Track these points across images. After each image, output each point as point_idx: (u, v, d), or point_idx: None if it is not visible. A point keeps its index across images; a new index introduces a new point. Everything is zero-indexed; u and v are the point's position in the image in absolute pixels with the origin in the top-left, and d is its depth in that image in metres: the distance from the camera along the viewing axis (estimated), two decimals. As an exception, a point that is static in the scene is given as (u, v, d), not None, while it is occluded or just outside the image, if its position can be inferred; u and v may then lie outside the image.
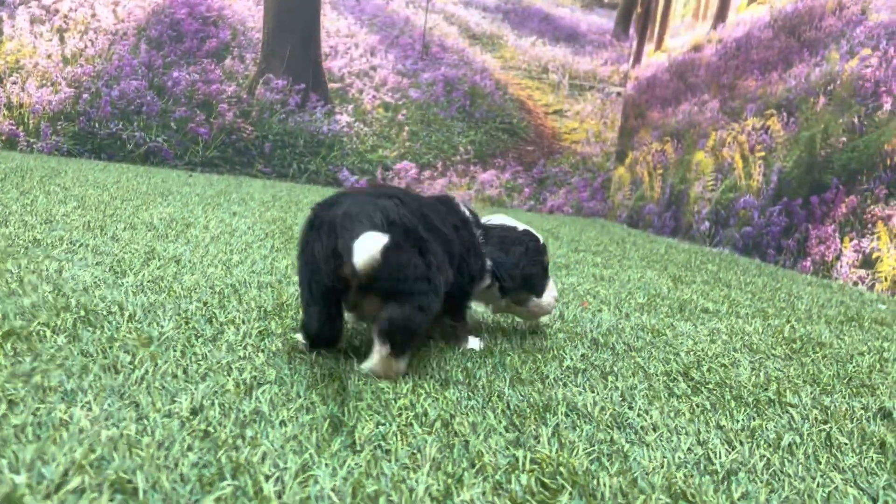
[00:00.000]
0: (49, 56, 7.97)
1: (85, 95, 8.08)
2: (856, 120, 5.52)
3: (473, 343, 2.39)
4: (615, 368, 2.23)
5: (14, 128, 7.92)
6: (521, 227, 2.61)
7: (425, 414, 1.62)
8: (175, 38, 8.29)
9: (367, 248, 1.74)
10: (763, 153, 6.52)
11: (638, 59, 9.12)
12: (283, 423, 1.48)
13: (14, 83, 7.91)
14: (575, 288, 3.66)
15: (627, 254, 5.49)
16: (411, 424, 1.56)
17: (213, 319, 2.21)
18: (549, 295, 2.55)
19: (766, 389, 2.19)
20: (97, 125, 8.12)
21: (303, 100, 8.62)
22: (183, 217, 4.34)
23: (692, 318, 3.24)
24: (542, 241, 2.60)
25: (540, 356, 2.28)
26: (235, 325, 2.19)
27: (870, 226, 5.26)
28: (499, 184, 9.14)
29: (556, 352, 2.36)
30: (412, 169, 8.89)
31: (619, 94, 9.28)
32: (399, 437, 1.47)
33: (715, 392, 2.11)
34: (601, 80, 9.25)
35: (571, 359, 2.29)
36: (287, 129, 8.58)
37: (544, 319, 2.73)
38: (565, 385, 2.00)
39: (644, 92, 8.86)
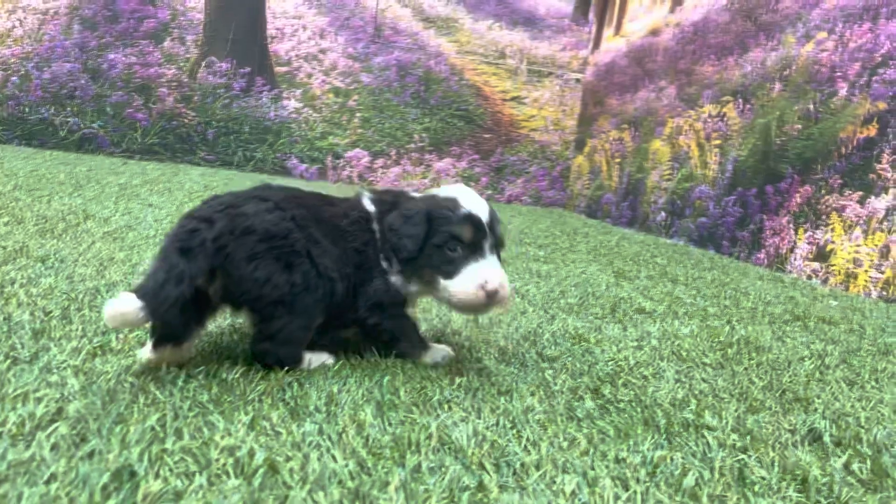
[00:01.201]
0: (-27, 36, 7.51)
1: (13, 78, 7.63)
2: (811, 107, 5.31)
3: (437, 354, 2.11)
4: (515, 385, 1.96)
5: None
6: (451, 194, 2.09)
7: (251, 456, 1.33)
8: (110, 18, 7.86)
9: (115, 308, 1.54)
10: (719, 141, 6.31)
11: (597, 44, 8.85)
12: (51, 477, 1.18)
13: (-64, 65, 7.44)
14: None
15: (575, 246, 5.24)
16: (227, 473, 1.27)
17: (44, 333, 1.90)
18: (469, 282, 1.93)
19: (684, 408, 1.94)
20: (27, 110, 7.68)
21: (248, 84, 8.25)
22: (85, 209, 4.00)
23: (624, 319, 2.99)
24: (462, 212, 1.98)
25: (432, 372, 2.00)
26: (70, 339, 1.88)
27: (824, 217, 5.06)
28: (455, 172, 8.84)
29: (452, 365, 2.09)
30: (364, 157, 8.55)
31: (578, 80, 9.02)
32: (199, 494, 1.18)
33: (624, 413, 1.85)
34: (560, 66, 8.98)
35: (467, 374, 2.01)
36: (231, 115, 8.20)
37: (486, 317, 2.45)
38: (448, 409, 1.73)
39: (603, 78, 8.60)
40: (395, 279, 2.02)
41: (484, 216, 2.00)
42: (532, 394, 1.91)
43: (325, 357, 1.96)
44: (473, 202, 2.04)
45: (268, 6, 8.24)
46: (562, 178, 9.13)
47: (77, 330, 1.96)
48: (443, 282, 1.96)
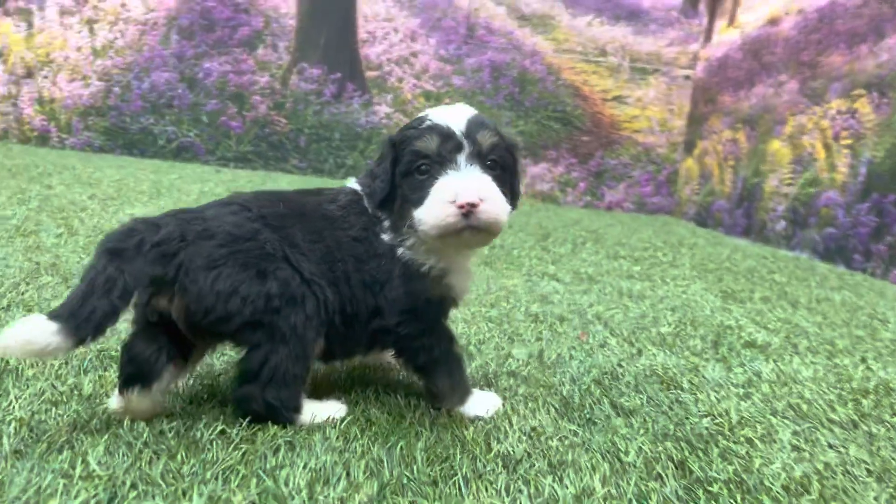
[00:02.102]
0: (79, 49, 7.73)
1: (115, 89, 7.81)
2: (966, 98, 4.51)
3: (478, 405, 1.72)
4: (573, 455, 1.53)
5: (46, 123, 7.73)
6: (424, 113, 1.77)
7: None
8: (206, 27, 7.91)
9: (15, 335, 1.23)
10: (849, 141, 5.54)
11: (709, 37, 8.14)
12: None
13: (45, 77, 7.71)
14: (584, 310, 2.94)
15: (678, 260, 4.68)
16: None
17: (13, 372, 1.64)
18: (435, 200, 1.52)
19: (802, 495, 1.45)
20: (128, 120, 7.84)
21: (339, 90, 8.10)
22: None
23: (729, 356, 2.48)
24: (425, 124, 1.60)
25: (468, 430, 1.60)
26: (38, 379, 1.61)
27: (982, 229, 4.27)
28: (551, 178, 8.36)
29: (496, 422, 1.68)
30: (456, 162, 8.22)
31: (687, 77, 8.34)
32: None
33: (718, 503, 1.39)
34: (667, 63, 8.32)
35: (512, 435, 1.60)
36: (323, 122, 8.08)
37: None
38: (476, 491, 1.33)
39: (715, 74, 7.89)
40: (407, 253, 1.61)
41: (456, 123, 1.56)
42: (594, 468, 1.48)
43: (335, 408, 1.60)
44: (445, 112, 1.61)
45: (359, 9, 8.07)
46: (668, 182, 8.46)
47: (51, 369, 1.70)
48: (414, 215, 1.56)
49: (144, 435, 1.37)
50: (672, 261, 4.62)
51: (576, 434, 1.67)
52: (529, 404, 1.82)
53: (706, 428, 1.78)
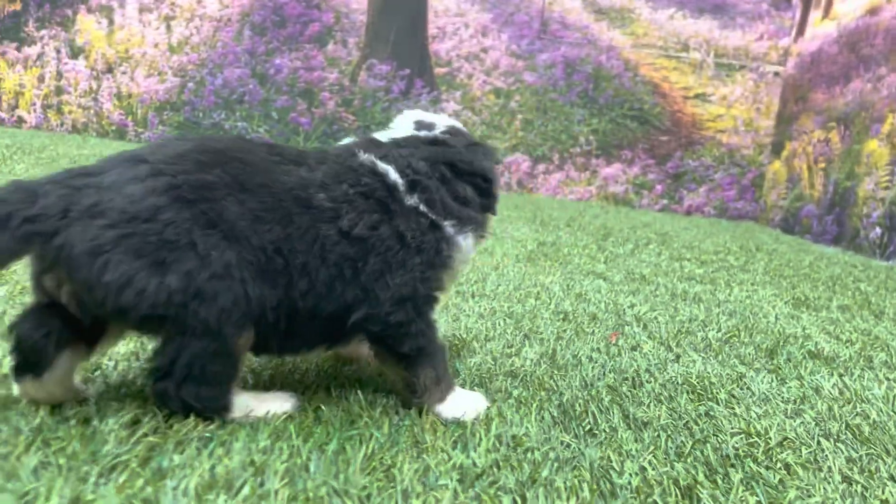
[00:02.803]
0: (156, 45, 7.90)
1: (190, 84, 7.94)
2: None
3: (462, 405, 1.51)
4: (550, 472, 1.27)
5: (123, 117, 7.93)
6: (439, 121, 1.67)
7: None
8: (278, 23, 7.94)
9: None
10: (958, 139, 4.95)
11: (801, 30, 7.55)
12: None
13: (123, 73, 7.92)
14: (623, 310, 2.63)
15: (750, 265, 4.26)
16: None
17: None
18: None
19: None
20: (201, 115, 7.96)
21: (407, 86, 7.97)
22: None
23: (785, 367, 2.13)
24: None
25: (431, 437, 1.36)
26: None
27: None
28: (625, 180, 7.96)
29: (474, 427, 1.43)
30: (525, 162, 7.94)
31: (776, 73, 7.76)
32: None
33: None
34: (755, 58, 7.78)
35: (484, 445, 1.35)
36: (390, 119, 7.91)
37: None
38: (414, 507, 1.09)
39: (807, 70, 7.30)
40: (460, 237, 1.51)
41: None
42: (572, 489, 1.21)
43: (280, 402, 1.39)
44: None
45: (429, 5, 7.92)
46: (754, 186, 7.90)
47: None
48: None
49: (37, 421, 1.19)
50: (743, 265, 4.21)
51: (567, 447, 1.40)
52: (521, 409, 1.56)
53: (734, 448, 1.48)
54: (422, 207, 1.47)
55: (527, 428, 1.45)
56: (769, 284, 3.62)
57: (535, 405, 1.58)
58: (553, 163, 7.94)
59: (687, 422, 1.60)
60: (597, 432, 1.49)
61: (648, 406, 1.67)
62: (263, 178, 1.34)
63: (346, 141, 1.60)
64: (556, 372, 1.84)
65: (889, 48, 5.94)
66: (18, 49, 7.83)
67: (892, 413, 1.80)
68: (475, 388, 1.66)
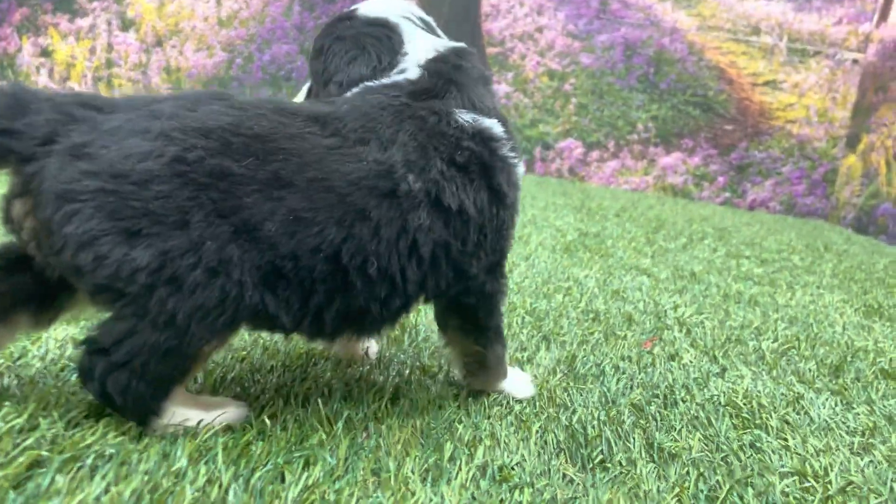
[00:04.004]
0: (206, 19, 7.80)
1: (238, 60, 7.82)
2: None
3: (521, 384, 1.45)
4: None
5: (171, 92, 7.86)
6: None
7: None
8: (328, -2, 7.75)
9: None
10: None
11: (885, 15, 6.95)
12: None
13: (173, 47, 7.85)
14: (664, 312, 2.31)
15: (816, 266, 3.85)
16: None
17: None
18: None
19: None
20: (248, 91, 7.83)
21: (458, 66, 7.66)
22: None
23: (853, 388, 1.79)
24: None
25: (395, 464, 1.10)
26: None
27: None
28: (685, 170, 7.50)
29: (453, 452, 1.16)
30: (577, 148, 7.56)
31: (855, 61, 7.18)
32: None
33: None
34: (832, 44, 7.20)
35: (461, 477, 1.08)
36: (439, 99, 7.68)
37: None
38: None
39: (890, 58, 6.72)
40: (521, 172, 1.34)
41: None
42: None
43: (218, 411, 1.15)
44: None
45: (484, -19, 7.60)
46: (825, 182, 7.35)
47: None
48: None
49: None
50: (809, 266, 3.81)
51: (569, 483, 1.12)
52: (520, 430, 1.28)
53: (784, 494, 1.18)
54: (511, 155, 1.28)
55: (522, 455, 1.18)
56: (837, 289, 3.23)
57: (537, 425, 1.30)
58: (608, 150, 7.54)
59: (726, 455, 1.30)
60: (609, 465, 1.20)
61: (679, 432, 1.38)
62: (316, 170, 1.11)
63: (395, 78, 1.31)
64: (571, 384, 1.55)
65: None
66: (71, 21, 7.82)
67: None
68: (468, 400, 1.39)
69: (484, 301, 1.32)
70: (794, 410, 1.59)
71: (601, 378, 1.61)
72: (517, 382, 1.44)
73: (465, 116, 1.26)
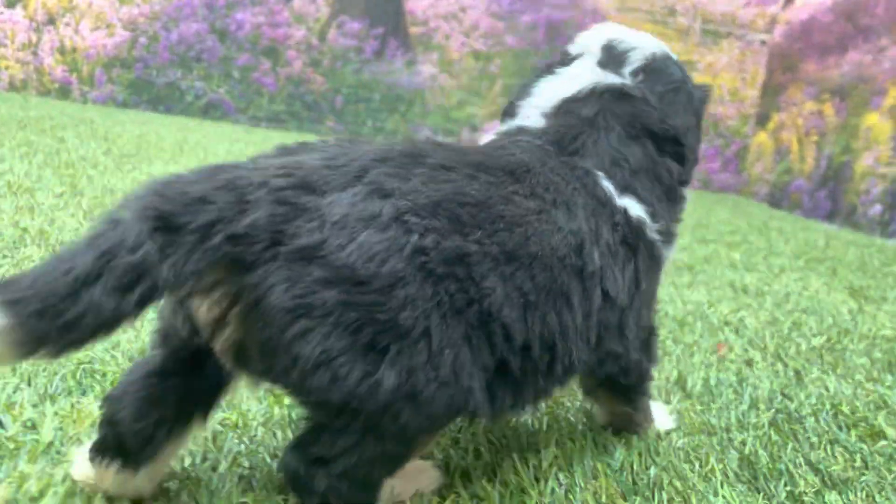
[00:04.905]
0: (104, -5, 7.18)
1: (142, 39, 7.26)
2: None
3: (664, 418, 1.38)
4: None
5: (67, 74, 7.20)
6: (661, 45, 1.35)
7: None
8: (240, -26, 7.31)
9: None
10: (971, 115, 4.81)
11: (791, -2, 7.36)
12: None
13: (67, 25, 7.17)
14: (705, 310, 2.33)
15: (774, 247, 4.03)
16: None
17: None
18: None
19: None
20: (154, 73, 7.30)
21: (381, 47, 7.47)
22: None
23: (916, 383, 1.86)
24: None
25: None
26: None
27: None
28: (607, 149, 7.68)
29: (664, 495, 1.09)
30: (504, 129, 7.57)
31: (763, 42, 7.56)
32: None
33: None
34: (742, 26, 7.55)
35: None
36: (362, 81, 7.47)
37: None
38: None
39: (797, 39, 7.11)
40: (669, 248, 1.23)
41: None
42: None
43: (426, 477, 1.04)
44: None
45: (405, -42, 7.40)
46: (738, 158, 7.73)
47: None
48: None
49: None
50: (769, 248, 3.97)
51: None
52: (698, 466, 1.23)
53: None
54: (657, 239, 1.16)
55: (723, 497, 1.12)
56: (810, 272, 3.38)
57: (712, 459, 1.24)
58: (534, 131, 7.60)
59: (881, 472, 1.30)
60: (805, 498, 1.17)
61: (828, 452, 1.36)
62: (536, 244, 0.96)
63: (521, 123, 1.21)
64: (696, 403, 1.51)
65: (892, 18, 5.76)
66: (-55, -5, 7.00)
67: None
68: (632, 438, 1.32)
69: (636, 376, 1.24)
70: (888, 413, 1.63)
71: (718, 395, 1.58)
72: (659, 417, 1.37)
73: (607, 186, 1.13)
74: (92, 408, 1.17)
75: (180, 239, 0.77)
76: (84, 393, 1.24)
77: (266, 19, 7.34)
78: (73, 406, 1.18)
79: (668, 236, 1.21)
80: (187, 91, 7.35)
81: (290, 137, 5.80)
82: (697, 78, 6.01)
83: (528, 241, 0.95)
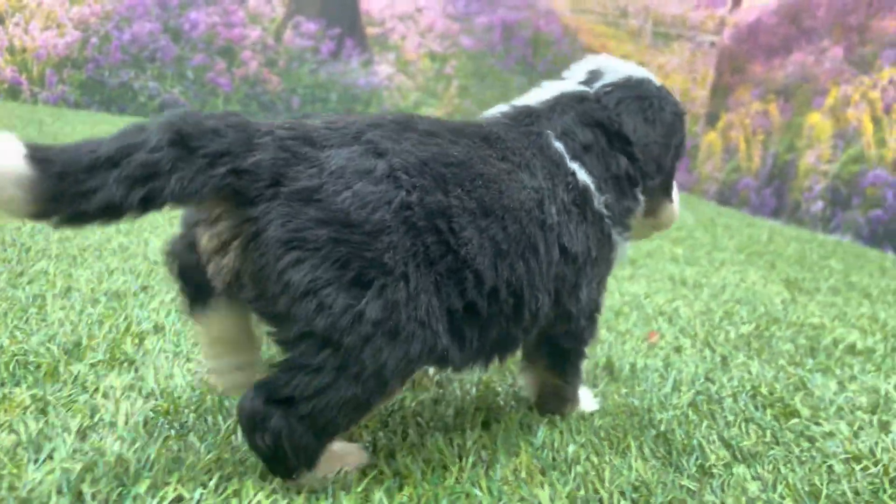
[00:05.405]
0: (54, -6, 7.08)
1: (93, 39, 7.17)
2: None
3: (588, 401, 1.46)
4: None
5: (17, 75, 7.08)
6: (648, 74, 1.46)
7: None
8: (193, -27, 7.27)
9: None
10: (904, 114, 5.01)
11: (738, 1, 7.55)
12: None
13: (16, 24, 7.05)
14: (641, 301, 2.41)
15: (719, 242, 4.15)
16: None
17: None
18: (677, 195, 1.52)
19: None
20: (106, 73, 7.21)
21: (337, 47, 7.48)
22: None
23: (834, 366, 1.96)
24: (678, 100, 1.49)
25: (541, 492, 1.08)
26: None
27: None
28: (563, 149, 7.80)
29: (586, 478, 1.15)
30: (461, 130, 7.64)
31: (712, 43, 7.75)
32: None
33: None
34: (692, 28, 7.73)
35: (612, 499, 1.08)
36: (318, 82, 7.48)
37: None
38: None
39: (744, 41, 7.31)
40: (621, 237, 1.34)
41: None
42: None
43: (353, 455, 1.09)
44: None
45: (361, -41, 7.43)
46: (689, 157, 7.91)
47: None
48: (667, 205, 1.47)
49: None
50: (713, 243, 4.10)
51: (690, 493, 1.15)
52: (617, 443, 1.29)
53: (860, 482, 1.26)
54: (605, 213, 1.28)
55: (638, 472, 1.19)
56: (748, 265, 3.50)
57: (630, 436, 1.31)
58: (491, 131, 7.68)
59: (791, 448, 1.38)
60: (713, 471, 1.24)
61: (742, 428, 1.44)
62: (507, 198, 1.09)
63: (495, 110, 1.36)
64: (621, 387, 1.58)
65: (833, 20, 5.96)
66: None
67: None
68: (552, 418, 1.38)
69: (581, 345, 1.35)
70: (805, 394, 1.71)
71: (644, 379, 1.65)
72: (584, 400, 1.44)
73: (558, 146, 1.26)
74: (24, 397, 1.19)
75: (192, 158, 0.88)
76: (17, 384, 1.26)
77: (221, 19, 7.30)
78: (5, 396, 1.20)
79: (618, 221, 1.31)
80: (140, 91, 7.28)
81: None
82: (647, 78, 6.02)
83: (501, 196, 1.08)
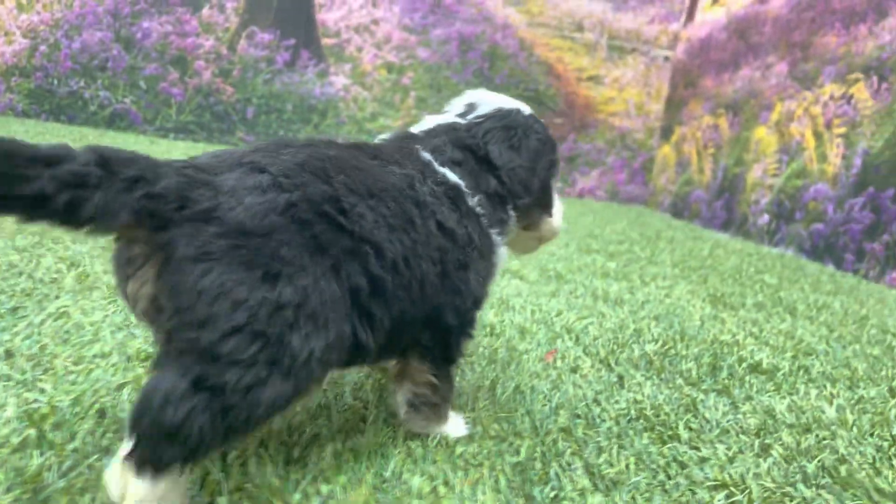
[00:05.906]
0: (1, 1, 6.94)
1: (42, 47, 7.04)
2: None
3: (457, 426, 1.44)
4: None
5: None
6: (519, 105, 1.57)
7: None
8: (145, -18, 7.18)
9: None
10: (843, 129, 5.08)
11: (691, 16, 7.63)
12: None
13: (-39, 31, 6.91)
14: (551, 319, 2.39)
15: (657, 256, 4.16)
16: None
17: None
18: (559, 210, 1.63)
19: None
20: (55, 82, 7.09)
21: (292, 57, 7.43)
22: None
23: (732, 386, 1.95)
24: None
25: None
26: None
27: None
28: (519, 161, 7.81)
29: (418, 511, 1.12)
30: (418, 141, 7.62)
31: (666, 58, 7.81)
32: None
33: None
34: (646, 42, 7.79)
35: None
36: (273, 92, 7.41)
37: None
38: None
39: (696, 56, 7.39)
40: (500, 238, 1.44)
41: None
42: None
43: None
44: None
45: (316, -30, 7.40)
46: (644, 170, 7.96)
47: None
48: (546, 220, 1.59)
49: None
50: (651, 257, 4.11)
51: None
52: (470, 471, 1.26)
53: (720, 511, 1.25)
54: (480, 212, 1.37)
55: (480, 500, 1.16)
56: (681, 279, 3.51)
57: (486, 465, 1.28)
58: (447, 143, 7.67)
59: (659, 476, 1.36)
60: (565, 499, 1.21)
61: (612, 454, 1.42)
62: (382, 182, 1.21)
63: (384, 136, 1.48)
64: (499, 412, 1.56)
65: (778, 37, 6.04)
66: None
67: (855, 443, 1.65)
68: (408, 443, 1.35)
69: (465, 326, 1.37)
70: (693, 416, 1.70)
71: (524, 402, 1.63)
72: (453, 422, 1.42)
73: (426, 155, 1.37)
74: None
75: (114, 180, 0.92)
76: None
77: (174, 28, 7.22)
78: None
79: (495, 224, 1.40)
80: (91, 101, 7.17)
81: (199, 148, 5.76)
82: (605, 92, 6.29)
83: (378, 180, 1.19)
